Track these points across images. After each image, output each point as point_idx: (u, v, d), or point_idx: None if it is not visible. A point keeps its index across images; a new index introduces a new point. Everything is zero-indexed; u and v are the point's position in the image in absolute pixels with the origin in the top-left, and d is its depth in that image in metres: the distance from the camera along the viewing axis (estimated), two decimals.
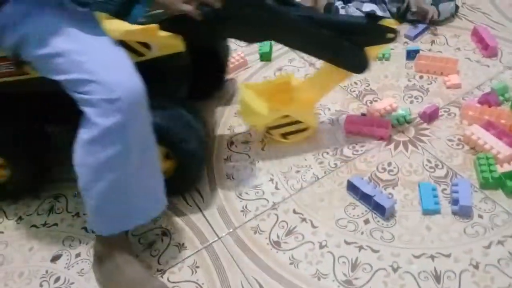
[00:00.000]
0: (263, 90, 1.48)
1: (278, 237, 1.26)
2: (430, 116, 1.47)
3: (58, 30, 1.04)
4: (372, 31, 1.27)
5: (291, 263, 1.20)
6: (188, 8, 1.13)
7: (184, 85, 1.37)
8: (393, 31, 1.27)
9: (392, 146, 1.43)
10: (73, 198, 1.44)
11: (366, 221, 1.26)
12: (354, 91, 1.64)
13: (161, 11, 1.17)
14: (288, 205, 1.33)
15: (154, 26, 1.17)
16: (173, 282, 1.19)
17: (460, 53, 1.71)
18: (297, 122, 1.45)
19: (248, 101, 1.43)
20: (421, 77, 1.65)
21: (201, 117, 1.34)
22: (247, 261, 1.22)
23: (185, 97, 1.37)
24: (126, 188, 1.08)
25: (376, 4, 1.85)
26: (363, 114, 1.53)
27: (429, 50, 1.75)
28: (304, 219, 1.29)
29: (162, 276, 1.21)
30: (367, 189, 1.27)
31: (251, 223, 1.30)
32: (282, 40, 1.31)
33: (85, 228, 1.35)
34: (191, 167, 1.32)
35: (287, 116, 1.43)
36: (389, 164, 1.39)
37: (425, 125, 1.47)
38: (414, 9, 1.80)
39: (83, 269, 1.25)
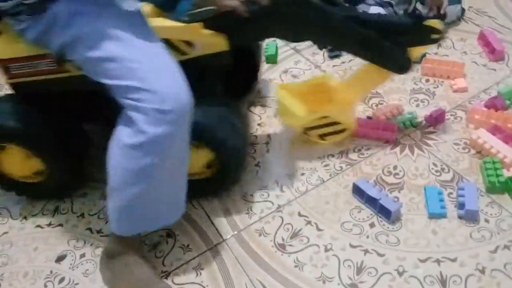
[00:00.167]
0: (299, 90, 1.47)
1: (283, 239, 1.26)
2: (436, 120, 1.47)
3: (111, 33, 1.02)
4: (416, 32, 1.26)
5: (296, 266, 1.20)
6: (235, 4, 1.12)
7: (221, 84, 1.35)
8: (438, 31, 1.25)
9: (398, 149, 1.43)
10: (78, 199, 1.44)
11: (372, 225, 1.25)
12: None
13: (205, 9, 1.17)
14: (293, 208, 1.32)
15: (198, 24, 1.16)
16: (178, 284, 1.19)
17: (466, 57, 1.70)
18: (335, 123, 1.43)
19: (285, 102, 1.42)
20: (427, 80, 1.64)
21: (242, 115, 1.32)
22: (252, 263, 1.22)
23: (221, 95, 1.35)
24: (157, 194, 1.09)
25: (382, 7, 1.84)
26: (368, 117, 1.53)
27: (436, 53, 1.74)
28: (309, 222, 1.29)
29: (166, 278, 1.21)
30: (372, 192, 1.27)
31: (256, 226, 1.30)
32: (325, 39, 1.29)
33: (90, 229, 1.35)
34: (233, 166, 1.29)
35: (325, 117, 1.41)
36: (395, 167, 1.38)
37: (431, 129, 1.47)
38: (424, 9, 1.79)
39: (87, 269, 1.25)
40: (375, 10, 1.84)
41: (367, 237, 1.23)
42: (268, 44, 1.84)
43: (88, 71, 1.08)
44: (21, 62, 1.19)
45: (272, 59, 1.82)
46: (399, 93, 1.61)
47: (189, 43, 1.19)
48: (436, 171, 1.35)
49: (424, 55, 1.70)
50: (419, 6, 1.80)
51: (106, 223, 1.36)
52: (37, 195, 1.43)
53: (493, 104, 1.48)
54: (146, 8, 1.19)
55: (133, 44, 1.03)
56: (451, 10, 1.82)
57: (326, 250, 1.22)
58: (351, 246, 1.22)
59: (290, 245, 1.24)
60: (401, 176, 1.36)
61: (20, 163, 1.33)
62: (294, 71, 1.77)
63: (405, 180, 1.34)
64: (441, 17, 1.76)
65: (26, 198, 1.44)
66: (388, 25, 1.25)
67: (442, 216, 1.24)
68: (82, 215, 1.39)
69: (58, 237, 1.35)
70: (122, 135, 1.03)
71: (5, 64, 1.20)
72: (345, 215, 1.29)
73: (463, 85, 1.59)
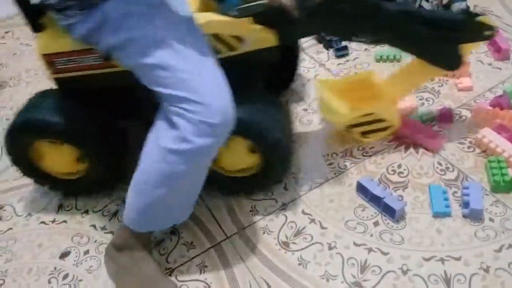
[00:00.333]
0: (340, 87, 1.46)
1: (286, 237, 1.25)
2: (446, 118, 1.46)
3: (163, 40, 1.02)
4: (469, 28, 1.23)
5: (299, 264, 1.19)
6: (286, 1, 1.11)
7: (263, 79, 1.34)
8: (491, 28, 1.23)
9: (402, 148, 1.42)
10: (82, 196, 1.43)
11: (376, 223, 1.25)
12: None
13: (255, 3, 1.16)
14: (297, 206, 1.32)
15: (248, 19, 1.15)
16: (181, 281, 1.19)
17: (472, 56, 1.69)
18: (379, 120, 1.41)
19: (327, 99, 1.41)
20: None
21: (286, 111, 1.30)
22: (256, 261, 1.22)
23: (264, 91, 1.33)
24: (177, 197, 1.11)
25: None
26: None
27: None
28: (313, 220, 1.28)
29: (170, 275, 1.21)
30: (377, 191, 1.27)
31: (260, 223, 1.29)
32: (376, 35, 1.26)
33: (94, 226, 1.35)
34: (279, 162, 1.28)
35: (369, 114, 1.39)
36: (399, 166, 1.38)
37: (436, 127, 1.46)
38: (428, 6, 1.78)
39: (91, 266, 1.25)
40: None
41: (371, 235, 1.23)
42: None
43: (137, 75, 1.07)
44: (67, 57, 1.18)
45: None
46: None
47: (239, 38, 1.18)
48: (441, 170, 1.35)
49: None
50: (424, 3, 1.80)
51: (110, 220, 1.36)
52: (74, 191, 1.42)
53: (498, 103, 1.47)
54: (195, 2, 1.19)
55: (185, 53, 1.02)
56: (456, 7, 1.81)
57: (330, 248, 1.22)
58: (355, 244, 1.22)
59: (294, 243, 1.24)
60: (405, 174, 1.35)
61: (60, 158, 1.32)
62: (298, 70, 1.77)
63: (409, 178, 1.34)
64: (446, 7, 1.76)
65: (63, 194, 1.43)
66: (441, 21, 1.22)
67: (447, 215, 1.24)
68: (86, 211, 1.39)
69: (62, 234, 1.35)
70: (164, 138, 1.03)
71: (50, 59, 1.20)
72: (349, 213, 1.28)
73: (468, 84, 1.58)
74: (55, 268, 1.27)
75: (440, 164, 1.37)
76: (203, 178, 1.12)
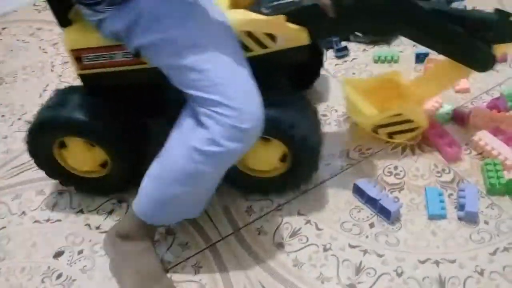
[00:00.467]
0: (367, 86, 1.44)
1: (282, 238, 1.25)
2: (459, 120, 1.47)
3: (196, 42, 1.01)
4: (503, 28, 1.21)
5: (294, 265, 1.19)
6: (324, 1, 1.09)
7: (289, 77, 1.32)
8: None
9: (399, 149, 1.42)
10: (77, 194, 1.43)
11: (371, 225, 1.25)
12: None
13: (288, 1, 1.15)
14: (293, 207, 1.32)
15: (282, 16, 1.14)
16: (176, 282, 1.19)
17: None
18: (406, 121, 1.39)
19: (354, 100, 1.40)
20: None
21: (313, 108, 1.29)
22: (251, 262, 1.21)
23: (291, 89, 1.31)
24: (194, 196, 1.12)
25: None
26: None
27: (438, 54, 1.73)
28: (308, 221, 1.28)
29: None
30: (373, 192, 1.26)
31: (255, 224, 1.29)
32: (408, 33, 1.24)
33: (89, 225, 1.35)
34: (308, 161, 1.26)
35: (397, 114, 1.38)
36: (396, 167, 1.38)
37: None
38: None
39: (85, 266, 1.25)
40: None
41: (367, 237, 1.22)
42: None
43: (167, 74, 1.06)
44: (95, 53, 1.17)
45: None
46: None
47: (272, 37, 1.17)
48: (437, 172, 1.35)
49: (427, 55, 1.70)
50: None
51: (104, 219, 1.35)
52: (97, 190, 1.40)
53: (495, 105, 1.47)
54: (226, 1, 1.17)
55: (218, 57, 1.02)
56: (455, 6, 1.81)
57: (325, 249, 1.21)
58: (350, 246, 1.21)
59: (289, 244, 1.24)
60: (401, 176, 1.35)
61: (84, 157, 1.30)
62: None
63: (405, 180, 1.34)
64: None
65: (86, 193, 1.42)
66: (473, 20, 1.20)
67: (442, 217, 1.24)
68: (81, 211, 1.39)
69: (56, 233, 1.34)
70: (193, 138, 1.02)
71: (77, 54, 1.18)
72: (344, 215, 1.28)
73: (466, 85, 1.58)
74: (48, 268, 1.26)
75: (436, 166, 1.36)
76: (221, 177, 1.12)
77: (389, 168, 1.38)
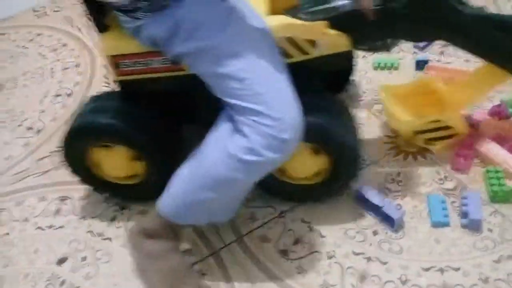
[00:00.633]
0: (403, 92, 1.44)
1: (285, 245, 1.25)
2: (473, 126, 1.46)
3: (237, 51, 1.00)
4: None
5: (298, 273, 1.19)
6: (367, 4, 1.09)
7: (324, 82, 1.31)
8: None
9: (401, 156, 1.43)
10: (79, 201, 1.43)
11: (375, 232, 1.25)
12: (362, 100, 1.63)
13: (326, 6, 1.14)
14: (296, 214, 1.32)
15: (323, 22, 1.13)
16: None
17: (469, 64, 1.70)
18: (445, 127, 1.38)
19: (390, 106, 1.39)
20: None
21: (351, 114, 1.27)
22: (254, 269, 1.21)
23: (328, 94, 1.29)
24: (228, 201, 1.12)
25: None
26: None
27: (438, 61, 1.74)
28: (312, 228, 1.28)
29: None
30: (375, 199, 1.27)
31: (258, 231, 1.29)
32: (450, 39, 1.23)
33: (91, 232, 1.34)
34: (349, 168, 1.25)
35: (436, 121, 1.37)
36: (398, 174, 1.38)
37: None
38: None
39: (89, 273, 1.25)
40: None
41: (370, 244, 1.23)
42: None
43: (207, 82, 1.06)
44: (133, 59, 1.16)
45: None
46: None
47: (312, 43, 1.16)
48: (439, 179, 1.35)
49: (426, 62, 1.70)
50: None
51: (107, 226, 1.35)
52: (131, 196, 1.39)
53: (497, 112, 1.48)
54: (266, 5, 1.17)
55: (259, 66, 1.02)
56: None
57: (329, 257, 1.22)
58: (354, 253, 1.22)
59: (293, 251, 1.24)
60: (404, 183, 1.35)
61: (120, 163, 1.30)
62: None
63: (408, 187, 1.34)
64: None
65: (121, 200, 1.41)
66: None
67: (445, 224, 1.24)
68: (83, 217, 1.39)
69: (59, 240, 1.34)
70: (230, 145, 1.01)
71: (116, 60, 1.17)
72: (348, 222, 1.28)
73: None
74: (52, 274, 1.26)
75: (438, 173, 1.37)
76: (252, 185, 1.12)
77: (391, 175, 1.38)
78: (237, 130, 1.01)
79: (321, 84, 1.27)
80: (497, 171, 1.31)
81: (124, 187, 1.35)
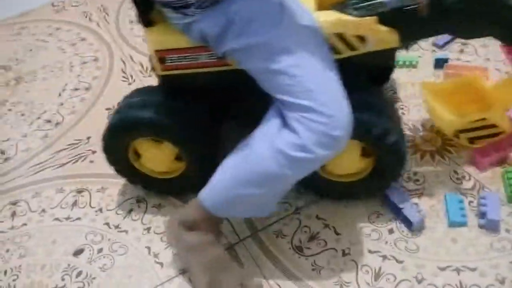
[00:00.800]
0: (446, 90, 1.42)
1: (300, 242, 1.25)
2: None
3: (289, 47, 1.00)
4: None
5: (313, 269, 1.19)
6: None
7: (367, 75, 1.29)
8: None
9: (418, 155, 1.42)
10: (96, 193, 1.44)
11: (390, 231, 1.25)
12: None
13: (374, 2, 1.13)
14: (312, 211, 1.32)
15: (372, 18, 1.12)
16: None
17: (489, 64, 1.68)
18: (490, 126, 1.36)
19: (433, 104, 1.38)
20: None
21: (397, 110, 1.26)
22: (269, 264, 1.21)
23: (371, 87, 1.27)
24: (271, 196, 1.12)
25: None
26: None
27: (458, 59, 1.72)
28: (327, 225, 1.28)
29: (183, 276, 1.21)
30: (397, 200, 1.26)
31: (273, 227, 1.29)
32: (499, 35, 1.19)
33: (108, 224, 1.36)
34: (394, 162, 1.22)
35: (480, 119, 1.35)
36: (415, 173, 1.37)
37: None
38: None
39: (105, 264, 1.26)
40: None
41: (386, 243, 1.22)
42: None
43: (257, 78, 1.06)
44: (180, 54, 1.16)
45: None
46: (420, 98, 1.59)
47: (361, 38, 1.15)
48: (457, 178, 1.34)
49: (446, 60, 1.69)
50: None
51: (123, 218, 1.36)
52: (168, 191, 1.39)
53: None
54: (313, 1, 1.16)
55: (310, 61, 1.01)
56: None
57: (344, 254, 1.21)
58: (369, 251, 1.21)
59: (308, 248, 1.24)
60: (421, 182, 1.34)
61: (164, 159, 1.30)
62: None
63: (425, 186, 1.33)
64: None
65: (158, 193, 1.41)
66: None
67: (463, 224, 1.23)
68: (100, 210, 1.40)
69: (76, 231, 1.35)
70: (279, 141, 1.01)
71: (161, 55, 1.17)
72: (363, 220, 1.28)
73: None
74: (68, 265, 1.27)
75: (456, 172, 1.36)
76: (297, 181, 1.12)
77: (408, 174, 1.37)
78: (286, 126, 1.01)
79: (367, 80, 1.26)
80: None
81: (160, 180, 1.35)
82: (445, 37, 1.78)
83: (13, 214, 1.43)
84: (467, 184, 1.32)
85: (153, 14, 1.17)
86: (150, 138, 1.26)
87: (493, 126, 1.36)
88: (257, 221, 1.31)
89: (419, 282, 1.14)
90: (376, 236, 1.24)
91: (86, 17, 2.29)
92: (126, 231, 1.33)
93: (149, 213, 1.36)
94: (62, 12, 2.35)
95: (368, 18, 1.11)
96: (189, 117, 1.24)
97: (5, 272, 1.28)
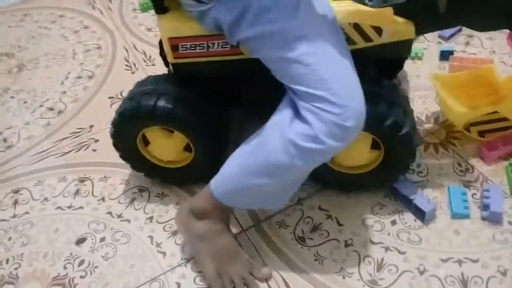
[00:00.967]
0: (457, 82, 1.41)
1: (303, 232, 1.25)
2: None
3: (304, 36, 0.98)
4: None
5: (315, 260, 1.19)
6: None
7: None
8: None
9: (422, 147, 1.41)
10: (99, 182, 1.44)
11: (393, 222, 1.24)
12: None
13: None
14: (314, 201, 1.32)
15: (390, 9, 1.10)
16: (197, 272, 1.19)
17: (495, 56, 1.68)
18: (501, 119, 1.36)
19: (444, 96, 1.37)
20: None
21: (409, 103, 1.24)
22: (271, 254, 1.21)
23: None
24: (281, 188, 1.11)
25: None
26: None
27: (463, 51, 1.71)
28: (329, 216, 1.28)
29: (186, 265, 1.21)
30: (406, 191, 1.25)
31: (276, 217, 1.29)
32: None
33: (110, 213, 1.36)
34: (403, 153, 1.20)
35: (492, 112, 1.34)
36: (419, 165, 1.37)
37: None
38: None
39: (107, 253, 1.26)
40: None
41: (388, 234, 1.22)
42: None
43: (270, 67, 1.05)
44: (193, 42, 1.15)
45: None
46: (425, 90, 1.59)
47: (378, 30, 1.13)
48: (461, 170, 1.34)
49: (451, 52, 1.68)
50: None
51: (126, 208, 1.36)
52: (174, 180, 1.39)
53: None
54: None
55: (325, 50, 1.00)
56: None
57: (347, 245, 1.21)
58: (372, 242, 1.21)
59: (310, 239, 1.24)
60: (424, 174, 1.34)
61: (167, 147, 1.29)
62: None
63: (428, 178, 1.33)
64: None
65: (165, 182, 1.40)
66: None
67: (466, 216, 1.23)
68: (103, 198, 1.40)
69: (78, 220, 1.35)
70: (291, 131, 1.00)
71: (174, 43, 1.16)
72: (366, 211, 1.28)
73: None
74: (71, 254, 1.27)
75: (459, 165, 1.35)
76: (309, 173, 1.11)
77: (411, 166, 1.36)
78: (298, 116, 1.00)
79: (380, 71, 1.25)
80: None
81: (165, 169, 1.34)
82: (451, 29, 1.77)
83: (15, 203, 1.43)
84: (471, 177, 1.32)
85: (167, 1, 1.15)
86: (161, 127, 1.25)
87: (505, 119, 1.36)
88: (259, 211, 1.31)
89: (421, 273, 1.14)
90: (378, 227, 1.24)
91: (89, 4, 2.29)
92: (128, 220, 1.33)
93: (152, 203, 1.36)
94: None
95: (385, 8, 1.10)
96: (203, 109, 1.23)
97: (7, 260, 1.28)
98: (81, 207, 1.38)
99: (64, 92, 1.81)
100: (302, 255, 1.20)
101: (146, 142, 1.31)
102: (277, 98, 1.08)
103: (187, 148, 1.30)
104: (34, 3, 2.36)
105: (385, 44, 1.15)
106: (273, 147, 1.02)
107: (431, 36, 1.76)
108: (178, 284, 1.18)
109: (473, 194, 1.28)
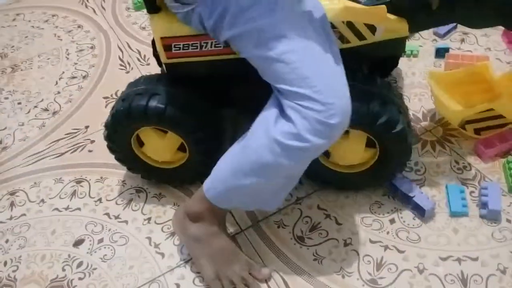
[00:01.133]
0: (452, 80, 1.40)
1: (302, 232, 1.25)
2: None
3: (285, 34, 0.98)
4: None
5: (315, 259, 1.19)
6: None
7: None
8: None
9: (419, 145, 1.41)
10: (96, 183, 1.43)
11: (392, 221, 1.25)
12: None
13: None
14: (312, 201, 1.32)
15: (383, 7, 1.09)
16: (196, 273, 1.19)
17: (490, 53, 1.68)
18: (497, 117, 1.36)
19: (439, 94, 1.36)
20: None
21: (403, 100, 1.24)
22: (270, 254, 1.21)
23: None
24: (272, 188, 1.10)
25: None
26: None
27: (459, 48, 1.72)
28: (328, 216, 1.28)
29: (185, 266, 1.21)
30: (406, 188, 1.25)
31: (274, 217, 1.29)
32: (509, 25, 1.17)
33: (108, 214, 1.35)
34: (399, 154, 1.20)
35: (487, 110, 1.34)
36: (416, 163, 1.37)
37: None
38: None
39: (106, 255, 1.25)
40: None
41: (387, 233, 1.22)
42: None
43: (255, 66, 1.05)
44: (186, 42, 1.14)
45: None
46: (420, 87, 1.59)
47: (371, 28, 1.13)
48: (458, 169, 1.34)
49: (447, 50, 1.68)
50: None
51: (123, 209, 1.36)
52: (168, 180, 1.38)
53: None
54: None
55: (307, 49, 0.99)
56: None
57: (346, 244, 1.21)
58: (371, 241, 1.21)
59: (309, 238, 1.23)
60: (422, 172, 1.34)
61: (161, 147, 1.28)
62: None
63: (426, 176, 1.33)
64: None
65: (159, 183, 1.40)
66: None
67: (464, 214, 1.23)
68: (100, 200, 1.39)
69: (75, 221, 1.34)
70: (275, 130, 0.99)
71: (167, 42, 1.15)
72: (365, 210, 1.28)
73: None
74: (69, 256, 1.26)
75: (457, 163, 1.36)
76: (301, 174, 1.11)
77: (409, 164, 1.37)
78: (283, 114, 1.00)
79: (374, 69, 1.25)
80: None
81: (161, 170, 1.34)
82: (447, 26, 1.78)
83: (12, 204, 1.42)
84: (468, 174, 1.32)
85: (159, 1, 1.15)
86: (155, 127, 1.25)
87: (500, 116, 1.36)
88: (257, 211, 1.30)
89: (421, 272, 1.14)
90: (377, 226, 1.24)
91: (82, 3, 2.27)
92: (126, 222, 1.32)
93: (149, 203, 1.36)
94: None
95: (379, 6, 1.10)
96: (196, 108, 1.22)
97: (5, 263, 1.27)
98: (78, 209, 1.37)
99: (59, 93, 1.80)
100: (301, 255, 1.20)
101: (140, 144, 1.31)
102: (269, 96, 1.08)
103: (182, 149, 1.30)
104: (26, 2, 2.34)
105: (379, 42, 1.15)
106: (259, 146, 1.02)
107: (427, 34, 1.76)
108: (177, 285, 1.17)
109: (471, 192, 1.28)
